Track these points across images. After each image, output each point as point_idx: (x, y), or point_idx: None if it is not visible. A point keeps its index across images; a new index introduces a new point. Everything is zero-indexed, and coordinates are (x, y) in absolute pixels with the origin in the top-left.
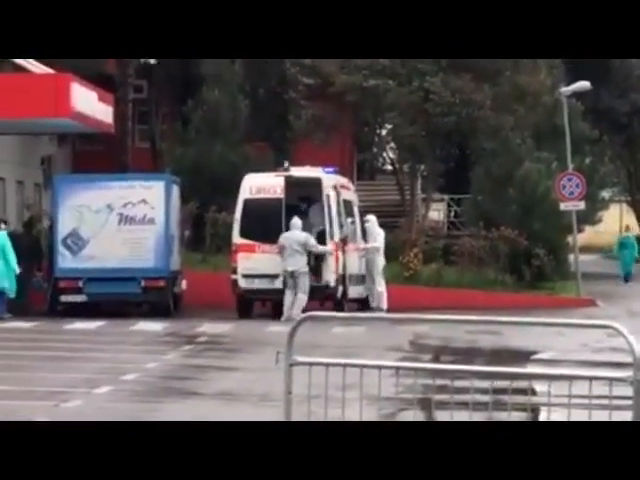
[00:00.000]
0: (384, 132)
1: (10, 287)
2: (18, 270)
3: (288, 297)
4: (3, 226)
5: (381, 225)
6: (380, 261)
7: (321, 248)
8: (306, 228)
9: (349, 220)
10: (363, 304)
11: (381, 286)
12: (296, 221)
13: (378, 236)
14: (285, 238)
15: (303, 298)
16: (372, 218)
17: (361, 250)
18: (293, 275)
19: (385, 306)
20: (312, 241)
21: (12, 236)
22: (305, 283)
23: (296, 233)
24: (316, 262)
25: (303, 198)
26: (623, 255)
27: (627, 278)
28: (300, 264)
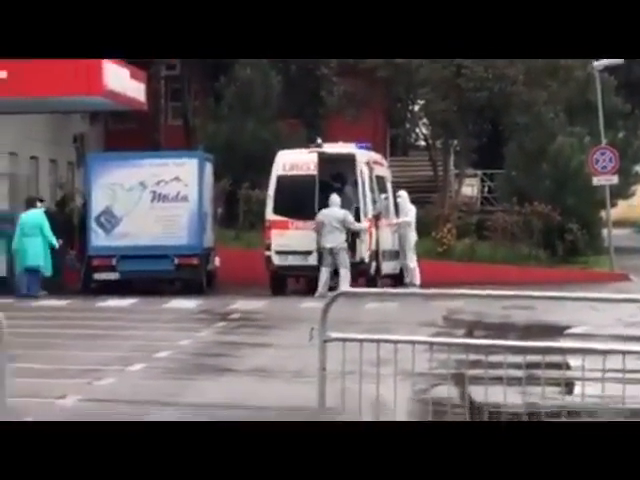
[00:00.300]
0: (416, 108)
1: (46, 265)
2: (57, 245)
3: (324, 274)
4: (39, 204)
5: (414, 201)
6: (412, 236)
7: (358, 225)
8: (341, 204)
9: (382, 196)
10: (396, 280)
11: (413, 262)
12: (335, 198)
13: (410, 211)
14: (324, 215)
15: (347, 273)
16: (404, 194)
17: (393, 225)
18: (332, 252)
19: (418, 281)
20: (350, 218)
21: (46, 214)
22: (346, 259)
23: (335, 210)
24: (351, 238)
25: (336, 175)
26: None
27: None
28: (339, 240)
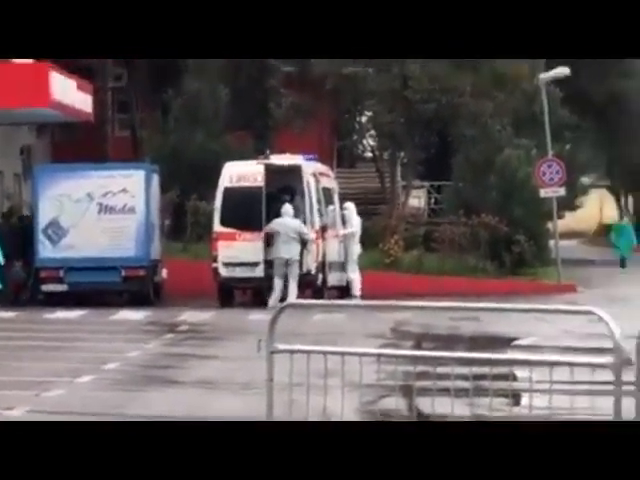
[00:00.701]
0: (364, 119)
1: None
2: (2, 261)
3: (278, 284)
4: None
5: (361, 213)
6: (355, 248)
7: (310, 236)
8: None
9: (330, 208)
10: (343, 291)
11: (354, 273)
12: (288, 208)
13: (355, 223)
14: (279, 225)
15: (295, 285)
16: (350, 205)
17: (339, 237)
18: (287, 263)
19: (358, 292)
20: (305, 229)
21: None
22: (297, 271)
23: (289, 220)
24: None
25: (283, 186)
26: (619, 242)
27: (623, 263)
28: (295, 251)
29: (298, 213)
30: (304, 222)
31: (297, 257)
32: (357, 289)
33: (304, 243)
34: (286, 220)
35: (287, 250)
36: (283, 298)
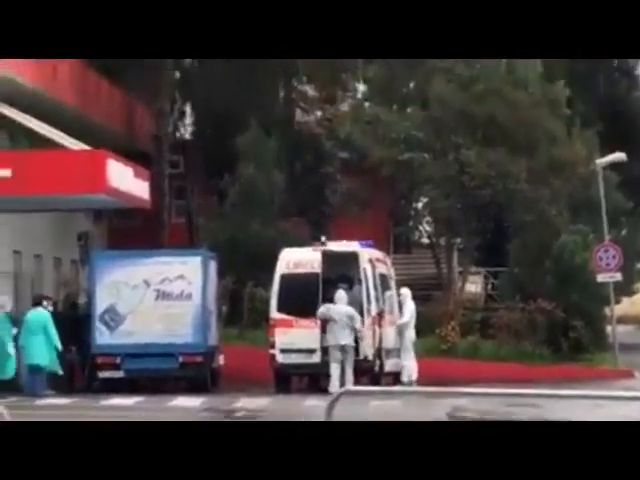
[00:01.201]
0: (420, 205)
1: (52, 364)
2: (60, 347)
3: (336, 369)
4: (45, 302)
5: (417, 298)
6: (410, 334)
7: (360, 326)
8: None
9: (388, 294)
10: (400, 378)
11: (408, 360)
12: (342, 294)
13: (408, 310)
14: (335, 311)
15: (351, 372)
16: (406, 291)
17: (396, 324)
18: (344, 349)
19: (414, 378)
20: (357, 316)
21: (52, 313)
22: (352, 357)
23: (343, 307)
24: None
25: (340, 273)
26: None
27: None
28: (351, 338)
29: (355, 300)
30: (361, 309)
31: (353, 343)
32: (412, 375)
33: (355, 330)
34: (341, 306)
35: (344, 336)
36: (341, 384)
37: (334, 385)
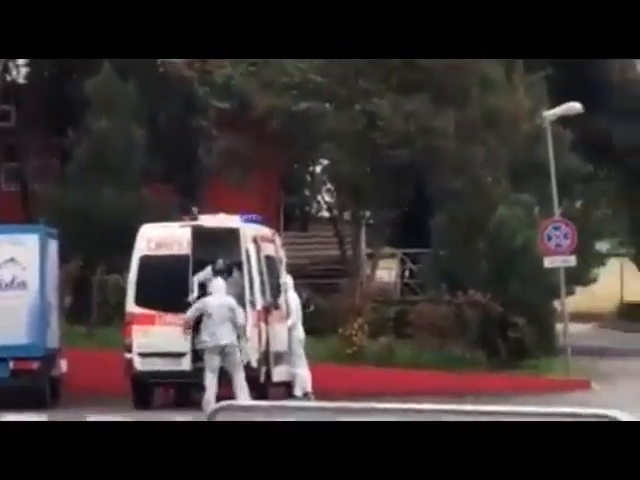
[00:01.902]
0: (318, 169)
1: None
2: None
3: (212, 380)
4: None
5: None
6: (296, 335)
7: (243, 321)
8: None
9: (282, 281)
10: (292, 389)
11: (300, 367)
12: (220, 283)
13: (291, 305)
14: (209, 305)
15: (243, 379)
16: (286, 280)
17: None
18: (225, 351)
19: (309, 390)
20: (240, 310)
21: None
22: (238, 360)
23: (223, 298)
24: None
25: (216, 256)
26: None
27: None
28: (233, 336)
29: (234, 290)
30: (242, 302)
31: (236, 342)
32: (306, 387)
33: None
34: (220, 298)
35: (224, 335)
36: (221, 397)
37: (209, 400)
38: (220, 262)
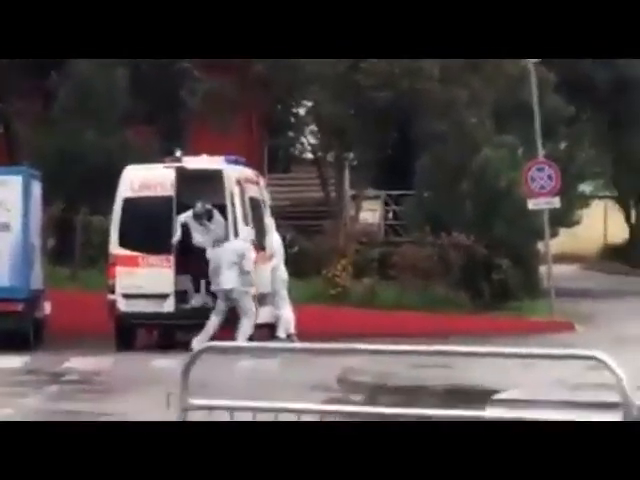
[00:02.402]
0: (302, 111)
1: None
2: None
3: (211, 322)
4: None
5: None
6: (279, 275)
7: (250, 267)
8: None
9: (265, 222)
10: (274, 330)
11: (284, 308)
12: (219, 219)
13: (274, 245)
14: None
15: (249, 324)
16: (268, 221)
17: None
18: (229, 295)
19: (292, 332)
20: (251, 255)
21: None
22: (249, 305)
23: (233, 243)
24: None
25: (200, 197)
26: None
27: None
28: (238, 281)
29: (216, 233)
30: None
31: (245, 287)
32: (290, 328)
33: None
34: (228, 242)
35: (227, 279)
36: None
37: (201, 339)
38: (199, 205)
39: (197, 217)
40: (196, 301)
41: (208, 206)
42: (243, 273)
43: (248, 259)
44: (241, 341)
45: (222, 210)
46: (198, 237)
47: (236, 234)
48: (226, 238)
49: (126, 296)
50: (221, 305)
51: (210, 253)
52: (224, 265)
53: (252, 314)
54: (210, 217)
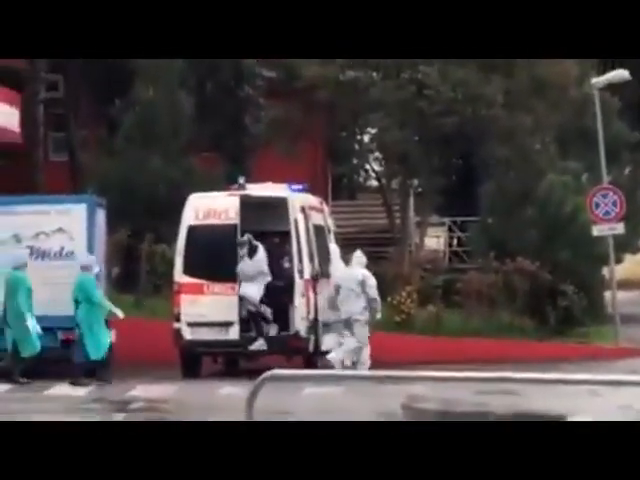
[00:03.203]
0: (366, 138)
1: None
2: None
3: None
4: None
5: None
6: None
7: (375, 293)
8: (274, 262)
9: (332, 248)
10: None
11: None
12: (335, 249)
13: (339, 270)
14: (341, 276)
15: (367, 353)
16: (333, 248)
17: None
18: (347, 323)
19: (367, 361)
20: (373, 281)
21: None
22: (364, 334)
23: (349, 269)
24: (277, 306)
25: (264, 226)
26: None
27: None
28: (357, 308)
29: (256, 267)
30: (265, 280)
31: (362, 316)
32: (354, 356)
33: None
34: (348, 268)
35: (348, 307)
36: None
37: (339, 357)
38: (244, 237)
39: (240, 247)
40: (258, 345)
41: (254, 241)
42: (370, 301)
43: (371, 286)
44: (365, 369)
45: (286, 237)
46: (243, 267)
47: (300, 261)
48: (269, 274)
49: (191, 324)
50: (336, 333)
51: (339, 280)
52: (350, 293)
53: (367, 343)
54: (254, 251)
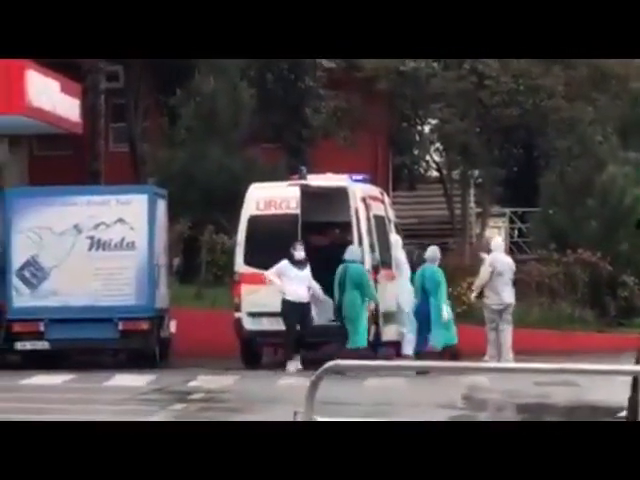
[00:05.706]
0: (427, 129)
1: None
2: None
3: (491, 337)
4: None
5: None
6: (404, 293)
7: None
8: (333, 253)
9: (391, 240)
10: (399, 349)
11: (407, 328)
12: (499, 240)
13: (401, 265)
14: (500, 262)
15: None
16: (395, 239)
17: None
18: (504, 311)
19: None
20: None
21: None
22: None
23: (503, 255)
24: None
25: (325, 215)
26: None
27: None
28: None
29: (304, 283)
30: (314, 300)
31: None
32: (408, 348)
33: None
34: (501, 255)
35: (509, 294)
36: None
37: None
38: (298, 252)
39: (293, 263)
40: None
41: (305, 257)
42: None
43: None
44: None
45: (347, 227)
46: (291, 272)
47: (361, 251)
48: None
49: (251, 314)
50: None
51: (498, 265)
52: (506, 281)
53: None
54: (302, 266)
